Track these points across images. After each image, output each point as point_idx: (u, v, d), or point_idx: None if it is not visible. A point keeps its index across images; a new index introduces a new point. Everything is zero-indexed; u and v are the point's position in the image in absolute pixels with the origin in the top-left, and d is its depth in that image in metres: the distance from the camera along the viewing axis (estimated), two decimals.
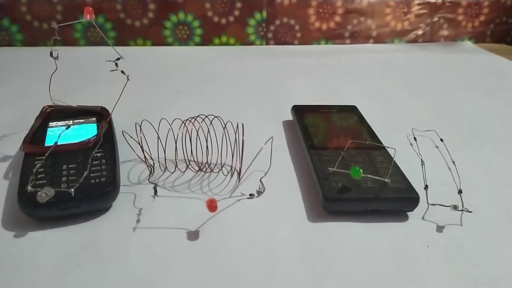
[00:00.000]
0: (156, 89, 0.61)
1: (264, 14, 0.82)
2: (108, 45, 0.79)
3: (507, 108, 0.57)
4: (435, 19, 0.89)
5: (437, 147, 0.46)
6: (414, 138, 0.48)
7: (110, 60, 0.39)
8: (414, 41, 0.90)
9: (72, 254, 0.30)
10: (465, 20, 0.90)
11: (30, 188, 0.32)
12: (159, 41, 0.81)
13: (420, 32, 0.90)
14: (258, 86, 0.64)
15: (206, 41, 0.83)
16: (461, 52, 0.85)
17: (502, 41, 0.93)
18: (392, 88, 0.64)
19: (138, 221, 0.34)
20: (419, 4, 0.87)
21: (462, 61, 0.79)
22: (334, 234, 0.33)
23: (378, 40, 0.88)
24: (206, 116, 0.39)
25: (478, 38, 0.92)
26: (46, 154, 0.35)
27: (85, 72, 0.66)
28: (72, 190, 0.32)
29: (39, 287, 0.28)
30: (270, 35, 0.85)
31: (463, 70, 0.74)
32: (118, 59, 0.39)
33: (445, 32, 0.91)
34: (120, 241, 0.32)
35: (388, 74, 0.71)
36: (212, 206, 0.32)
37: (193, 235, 0.32)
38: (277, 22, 0.83)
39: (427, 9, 0.88)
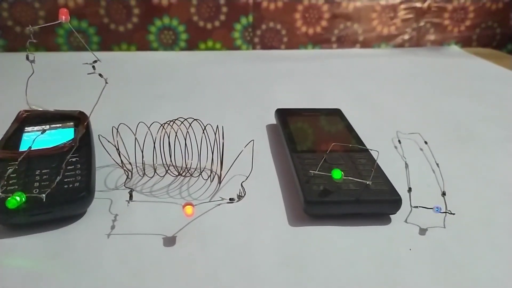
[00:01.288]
0: (138, 94, 0.60)
1: (250, 18, 0.82)
2: (90, 50, 0.78)
3: (491, 111, 0.57)
4: (422, 23, 0.89)
5: (421, 149, 0.46)
6: (399, 141, 0.47)
7: (86, 63, 0.38)
8: (400, 45, 0.90)
9: (43, 262, 0.29)
10: (451, 25, 0.91)
11: (0, 193, 0.31)
12: (144, 46, 0.80)
13: (406, 36, 0.90)
14: (243, 90, 0.63)
15: (191, 46, 0.82)
16: (447, 56, 0.86)
17: (488, 46, 0.94)
18: (378, 92, 0.64)
19: (113, 227, 0.33)
20: (405, 9, 0.87)
21: (448, 65, 0.79)
22: (315, 238, 0.32)
23: (365, 44, 0.88)
24: (185, 119, 0.38)
25: (465, 42, 0.93)
26: (19, 159, 0.34)
27: (67, 78, 0.65)
28: (44, 195, 0.31)
29: None
30: (256, 39, 0.84)
31: (449, 74, 0.74)
32: (95, 61, 0.38)
33: (431, 37, 0.91)
34: (94, 248, 0.31)
35: (374, 78, 0.71)
36: (188, 210, 0.31)
37: (170, 241, 0.31)
38: (264, 26, 0.83)
39: (413, 14, 0.88)
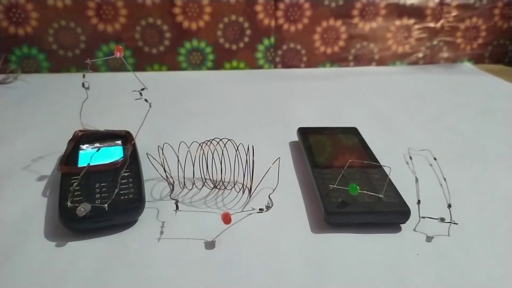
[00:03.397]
0: (172, 111, 0.66)
1: (272, 40, 0.88)
2: (127, 71, 0.84)
3: (500, 128, 0.62)
4: (435, 42, 0.94)
5: (431, 165, 0.51)
6: (410, 157, 0.52)
7: (135, 90, 0.44)
8: (415, 63, 0.95)
9: (107, 261, 0.35)
10: (463, 43, 0.95)
11: (70, 204, 0.37)
12: (174, 67, 0.87)
13: (420, 54, 0.94)
14: (267, 108, 0.69)
15: (217, 66, 0.89)
16: (460, 73, 0.90)
17: (501, 62, 0.98)
18: (392, 109, 0.69)
19: (161, 232, 0.38)
20: (419, 29, 0.92)
21: (461, 82, 0.83)
22: (334, 244, 0.38)
23: (381, 62, 0.93)
24: (221, 139, 0.43)
25: (477, 59, 0.97)
26: (81, 174, 0.40)
27: (108, 97, 0.71)
28: (106, 205, 0.37)
29: None
30: (278, 59, 0.90)
31: (461, 91, 0.78)
32: (143, 89, 0.44)
33: (445, 54, 0.95)
34: (147, 249, 0.36)
35: (389, 96, 0.76)
36: (226, 218, 0.37)
37: (210, 245, 0.37)
38: (284, 47, 0.89)
39: (427, 33, 0.92)
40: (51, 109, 0.67)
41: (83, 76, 0.47)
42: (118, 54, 0.43)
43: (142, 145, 0.49)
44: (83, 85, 0.48)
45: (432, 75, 0.88)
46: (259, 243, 0.38)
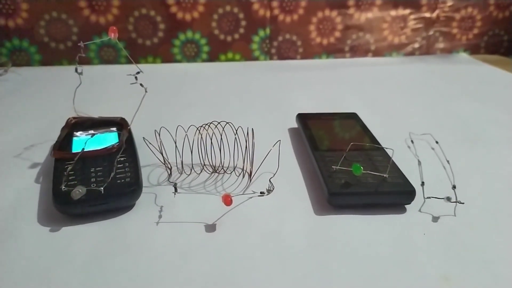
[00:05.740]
0: (167, 102, 0.65)
1: (268, 31, 0.87)
2: (119, 63, 0.83)
3: (498, 113, 0.61)
4: (431, 32, 0.93)
5: (433, 148, 0.50)
6: (411, 141, 0.51)
7: (130, 74, 0.43)
8: (411, 54, 0.94)
9: (103, 245, 0.34)
10: (459, 33, 0.95)
11: (64, 187, 0.35)
12: (169, 59, 0.86)
13: (416, 45, 0.94)
14: (264, 98, 0.68)
15: (212, 58, 0.87)
16: (456, 63, 0.89)
17: (496, 52, 0.97)
18: (391, 97, 0.68)
19: (160, 216, 0.37)
20: (414, 19, 0.91)
21: (457, 72, 0.83)
22: (338, 225, 0.37)
23: (377, 53, 0.92)
24: (219, 123, 0.42)
25: (473, 50, 0.96)
26: (76, 158, 0.39)
27: (101, 87, 0.70)
28: (102, 188, 0.35)
29: (76, 272, 0.31)
30: (273, 50, 0.89)
31: (459, 79, 0.78)
32: (138, 73, 0.43)
33: (441, 45, 0.95)
34: (145, 233, 0.35)
35: (387, 85, 0.75)
36: (227, 200, 0.35)
37: (211, 228, 0.36)
38: (280, 38, 0.88)
39: (423, 24, 0.92)
40: (43, 100, 0.65)
41: (77, 60, 0.45)
42: (112, 35, 0.41)
43: (138, 133, 0.47)
44: (76, 70, 0.46)
45: (429, 65, 0.87)
46: (261, 225, 0.37)
